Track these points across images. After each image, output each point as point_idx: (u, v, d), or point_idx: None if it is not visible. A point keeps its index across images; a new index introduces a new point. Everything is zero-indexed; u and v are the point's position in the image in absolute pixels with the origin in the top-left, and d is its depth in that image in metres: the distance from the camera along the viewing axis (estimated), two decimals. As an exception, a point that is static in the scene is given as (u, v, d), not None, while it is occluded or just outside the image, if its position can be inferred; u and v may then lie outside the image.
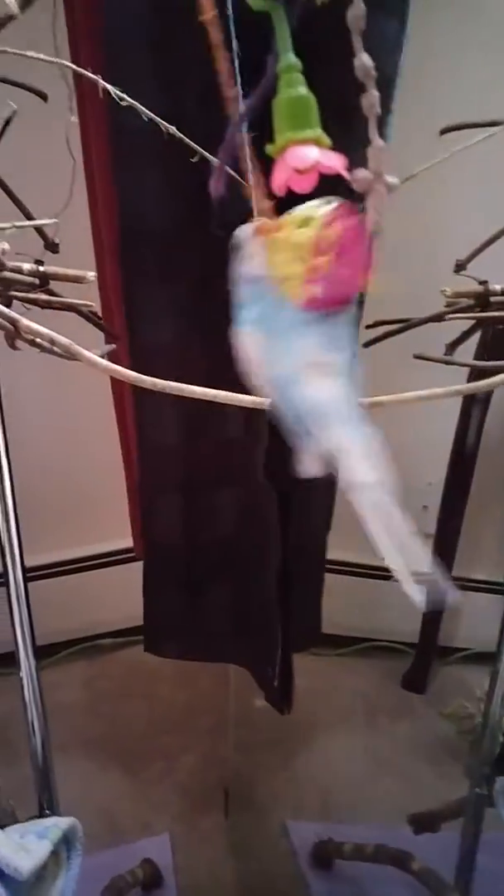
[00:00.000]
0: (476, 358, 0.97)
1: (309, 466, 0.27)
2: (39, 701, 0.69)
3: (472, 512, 1.19)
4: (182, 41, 0.57)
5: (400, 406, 0.34)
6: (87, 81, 0.46)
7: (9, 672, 1.26)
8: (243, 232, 0.28)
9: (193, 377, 0.37)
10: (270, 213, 0.33)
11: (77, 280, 0.57)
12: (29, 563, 0.64)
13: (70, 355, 0.38)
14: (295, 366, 0.26)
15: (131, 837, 0.93)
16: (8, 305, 0.58)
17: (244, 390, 0.31)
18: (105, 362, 0.38)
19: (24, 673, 0.71)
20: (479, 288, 0.59)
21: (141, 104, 0.46)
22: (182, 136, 0.46)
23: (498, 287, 0.59)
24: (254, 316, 0.27)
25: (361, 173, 0.22)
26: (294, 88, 0.23)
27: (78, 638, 1.33)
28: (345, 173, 0.23)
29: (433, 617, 1.26)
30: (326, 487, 0.79)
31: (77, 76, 0.45)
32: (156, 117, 0.45)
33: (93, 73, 0.67)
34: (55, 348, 0.40)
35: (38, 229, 0.59)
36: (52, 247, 0.61)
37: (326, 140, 0.23)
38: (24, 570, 0.68)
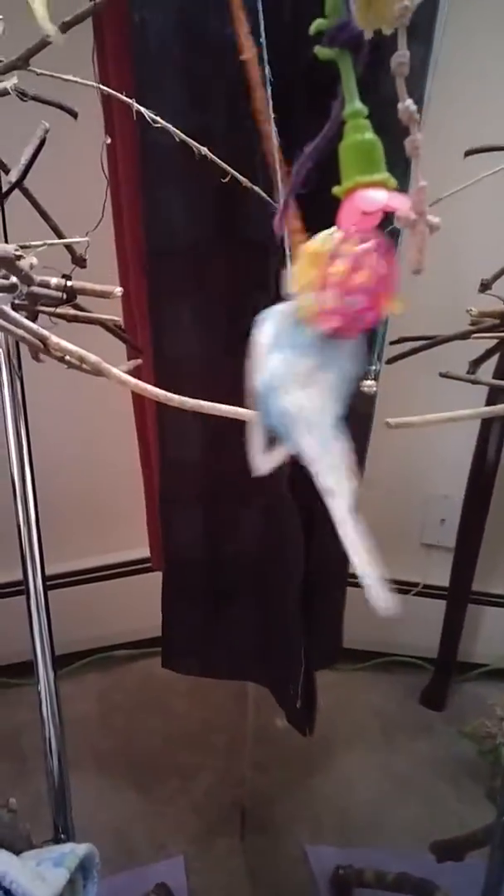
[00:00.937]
0: (496, 375, 0.97)
1: (261, 464, 0.30)
2: (58, 719, 0.68)
3: (492, 526, 1.18)
4: (209, 61, 0.58)
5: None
6: (115, 99, 0.46)
7: (20, 683, 1.25)
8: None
9: (218, 392, 0.36)
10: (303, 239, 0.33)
11: (104, 295, 0.57)
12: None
13: (98, 372, 0.38)
14: (282, 376, 0.28)
15: (145, 859, 0.92)
16: (34, 319, 0.58)
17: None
18: (134, 380, 0.38)
19: (42, 687, 0.70)
20: (504, 308, 0.58)
21: (170, 122, 0.46)
22: (214, 156, 0.46)
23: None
24: (270, 331, 0.29)
25: (405, 212, 0.23)
26: (361, 133, 0.23)
27: (91, 649, 1.32)
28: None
29: (452, 632, 1.24)
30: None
31: (105, 95, 0.46)
32: (188, 139, 0.45)
33: (119, 90, 0.67)
34: (84, 365, 0.40)
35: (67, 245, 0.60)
36: (79, 262, 0.62)
37: (393, 182, 0.23)
38: (45, 579, 0.67)
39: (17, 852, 0.50)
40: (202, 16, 0.57)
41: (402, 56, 0.22)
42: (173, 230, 0.62)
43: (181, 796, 1.03)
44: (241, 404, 0.34)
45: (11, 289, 0.41)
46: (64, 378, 0.65)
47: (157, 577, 0.86)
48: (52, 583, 1.22)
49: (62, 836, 0.62)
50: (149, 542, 0.99)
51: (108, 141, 0.53)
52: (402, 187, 0.25)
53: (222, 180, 0.47)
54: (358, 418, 0.70)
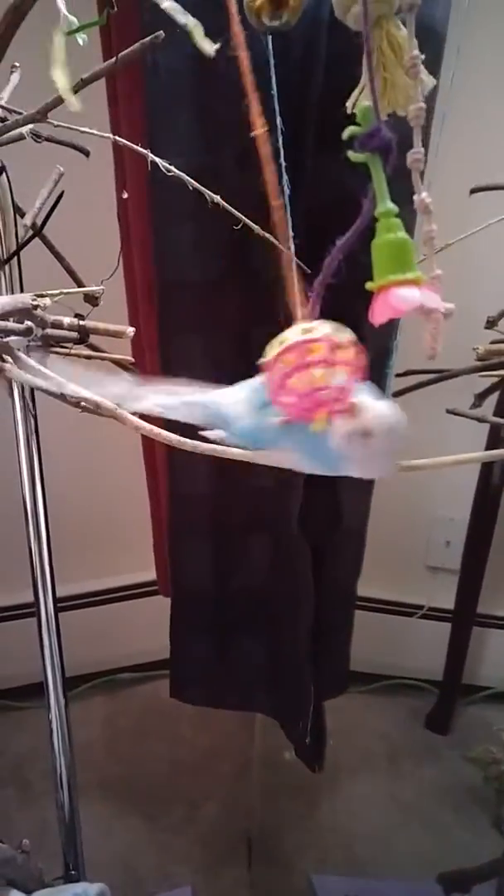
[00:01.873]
0: (497, 409, 0.98)
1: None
2: (69, 749, 0.68)
3: (497, 548, 1.18)
4: (222, 105, 0.59)
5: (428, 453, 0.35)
6: (126, 145, 0.47)
7: (22, 706, 1.24)
8: None
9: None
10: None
11: (117, 335, 0.58)
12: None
13: (114, 418, 0.39)
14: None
15: (152, 889, 0.91)
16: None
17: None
18: (149, 426, 0.39)
19: (53, 716, 0.70)
20: (512, 345, 0.59)
21: (180, 163, 0.48)
22: (227, 205, 0.47)
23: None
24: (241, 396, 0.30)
25: (435, 308, 0.23)
26: (394, 233, 0.24)
27: (96, 672, 1.32)
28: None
29: (457, 654, 1.23)
30: (358, 536, 0.79)
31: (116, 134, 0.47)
32: (201, 187, 0.46)
33: (130, 129, 0.69)
34: (100, 410, 0.40)
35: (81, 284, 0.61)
36: (91, 300, 0.63)
37: (423, 278, 0.24)
38: (56, 602, 0.67)
39: (30, 892, 0.50)
40: (215, 56, 0.58)
41: (417, 153, 0.23)
42: (184, 266, 0.63)
43: (188, 825, 1.03)
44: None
45: (27, 332, 0.41)
46: (75, 410, 0.66)
47: (163, 599, 0.86)
48: (60, 605, 1.23)
49: (73, 871, 0.62)
50: (157, 573, 0.99)
51: (126, 196, 0.54)
52: (408, 229, 0.26)
53: (235, 227, 0.48)
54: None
